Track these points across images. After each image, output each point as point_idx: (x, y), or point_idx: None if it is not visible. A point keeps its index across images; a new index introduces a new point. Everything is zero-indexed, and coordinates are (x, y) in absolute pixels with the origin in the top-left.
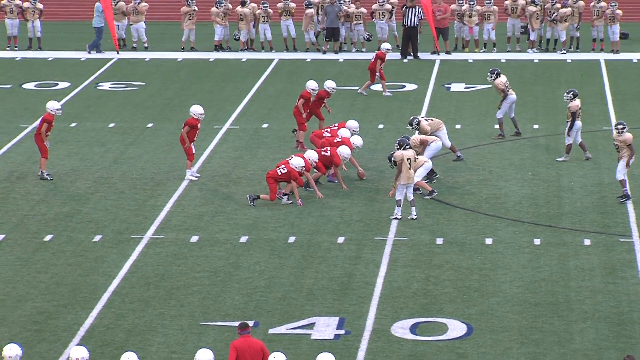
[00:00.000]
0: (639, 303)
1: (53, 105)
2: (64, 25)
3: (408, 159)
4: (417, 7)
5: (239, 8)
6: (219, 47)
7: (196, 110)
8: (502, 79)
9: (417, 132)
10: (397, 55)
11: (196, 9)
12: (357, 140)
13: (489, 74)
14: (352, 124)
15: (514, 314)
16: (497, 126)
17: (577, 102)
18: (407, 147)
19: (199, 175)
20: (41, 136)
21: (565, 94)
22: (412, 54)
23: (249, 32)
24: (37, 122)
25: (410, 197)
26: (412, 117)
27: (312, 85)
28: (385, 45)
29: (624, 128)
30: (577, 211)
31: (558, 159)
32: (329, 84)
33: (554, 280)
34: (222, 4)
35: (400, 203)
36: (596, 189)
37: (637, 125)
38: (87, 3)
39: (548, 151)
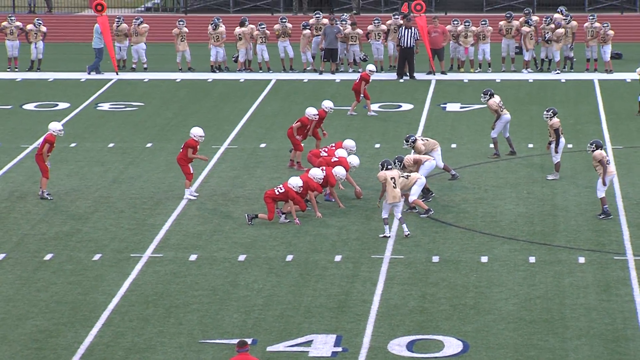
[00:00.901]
0: (633, 320)
1: (55, 127)
2: (64, 47)
3: (392, 178)
4: (412, 28)
5: (237, 28)
6: (215, 68)
7: (197, 132)
8: (496, 99)
9: (412, 150)
10: (393, 76)
11: (187, 30)
12: (353, 160)
13: (482, 94)
14: (349, 143)
15: (510, 331)
16: (492, 145)
17: (557, 120)
18: (389, 167)
19: (197, 194)
20: (42, 156)
21: (545, 112)
22: (408, 74)
23: (247, 53)
24: (39, 142)
25: (399, 215)
26: (408, 135)
27: (312, 111)
28: (370, 67)
29: (552, 114)
30: (571, 229)
31: (548, 177)
32: (327, 104)
33: (549, 298)
34: (216, 26)
35: (386, 221)
36: (590, 207)
37: (631, 144)
38: (86, 24)
39: (543, 170)
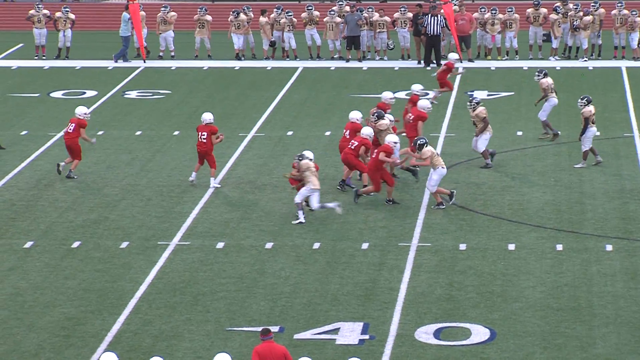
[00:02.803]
0: None
1: (81, 110)
2: (92, 35)
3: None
4: (438, 16)
5: (261, 18)
6: (241, 56)
7: (207, 117)
8: (549, 80)
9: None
10: (414, 63)
11: (209, 18)
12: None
13: (537, 73)
14: (387, 94)
15: (537, 319)
16: (541, 132)
17: (590, 108)
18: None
19: (220, 185)
20: (77, 140)
21: (580, 100)
22: (435, 61)
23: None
24: (70, 127)
25: (315, 205)
26: (472, 97)
27: (356, 115)
28: (453, 56)
29: (585, 102)
30: (599, 217)
31: (575, 166)
32: (387, 95)
33: (576, 286)
34: (238, 14)
35: (300, 206)
36: (618, 195)
37: None
38: (113, 12)
39: (570, 158)
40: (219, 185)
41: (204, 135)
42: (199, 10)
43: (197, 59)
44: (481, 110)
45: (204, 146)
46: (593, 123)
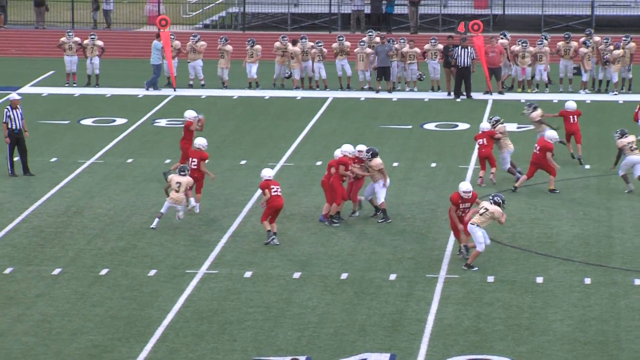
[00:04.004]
0: None
1: (191, 114)
2: (122, 63)
3: (177, 183)
4: (469, 47)
5: (290, 47)
6: (251, 85)
7: (197, 142)
8: (539, 112)
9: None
10: (444, 95)
11: (230, 48)
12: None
13: (526, 107)
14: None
15: (564, 353)
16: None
17: (624, 140)
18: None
19: (197, 209)
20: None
21: (614, 133)
22: (465, 94)
23: (302, 71)
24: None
25: (382, 200)
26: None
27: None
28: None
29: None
30: (627, 251)
31: (625, 191)
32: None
33: (604, 320)
34: (253, 43)
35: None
36: None
37: None
38: (144, 41)
39: (599, 191)
40: (196, 209)
41: (194, 161)
42: (219, 41)
43: (225, 88)
44: (619, 141)
45: (194, 173)
46: (632, 151)
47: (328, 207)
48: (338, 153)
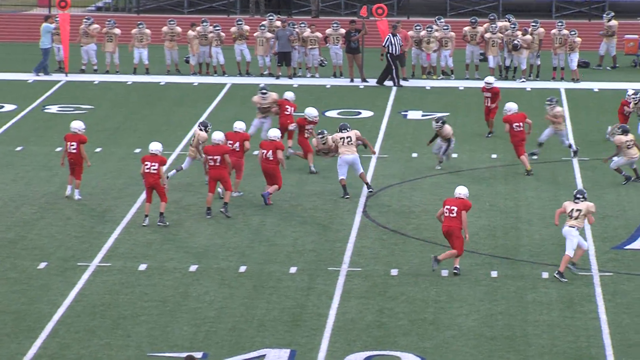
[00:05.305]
0: (597, 338)
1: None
2: (10, 46)
3: None
4: (397, 35)
5: (177, 29)
6: (135, 71)
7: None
8: (448, 128)
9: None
10: (346, 82)
11: (118, 31)
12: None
13: (434, 122)
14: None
15: (470, 348)
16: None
17: (623, 138)
18: None
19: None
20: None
21: (617, 128)
22: (396, 81)
23: (198, 56)
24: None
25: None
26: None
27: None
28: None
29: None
30: (535, 243)
31: (622, 183)
32: (311, 112)
33: (511, 314)
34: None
35: None
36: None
37: (598, 156)
38: (33, 23)
39: (506, 181)
40: (75, 195)
41: (73, 145)
42: (106, 23)
43: (117, 74)
44: (616, 138)
45: (72, 156)
46: (628, 148)
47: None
48: (217, 137)
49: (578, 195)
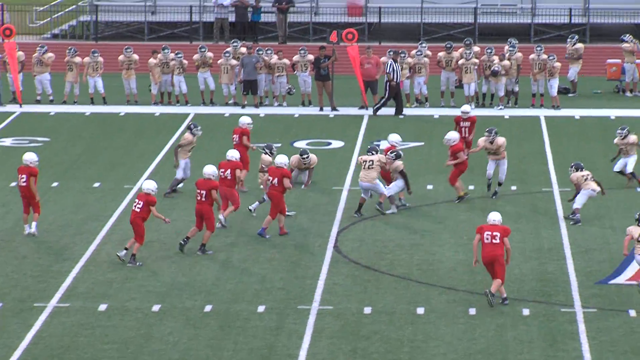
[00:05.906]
0: None
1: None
2: None
3: None
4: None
5: (134, 57)
6: (93, 100)
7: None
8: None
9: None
10: (316, 110)
11: (79, 60)
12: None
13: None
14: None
15: None
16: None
17: (577, 174)
18: None
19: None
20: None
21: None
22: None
23: (160, 84)
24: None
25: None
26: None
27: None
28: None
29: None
30: (515, 278)
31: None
32: (245, 120)
33: (490, 353)
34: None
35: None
36: (535, 254)
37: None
38: None
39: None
40: (33, 229)
41: (23, 178)
42: (67, 52)
43: (75, 104)
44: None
45: (23, 190)
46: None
47: (269, 220)
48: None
49: None
